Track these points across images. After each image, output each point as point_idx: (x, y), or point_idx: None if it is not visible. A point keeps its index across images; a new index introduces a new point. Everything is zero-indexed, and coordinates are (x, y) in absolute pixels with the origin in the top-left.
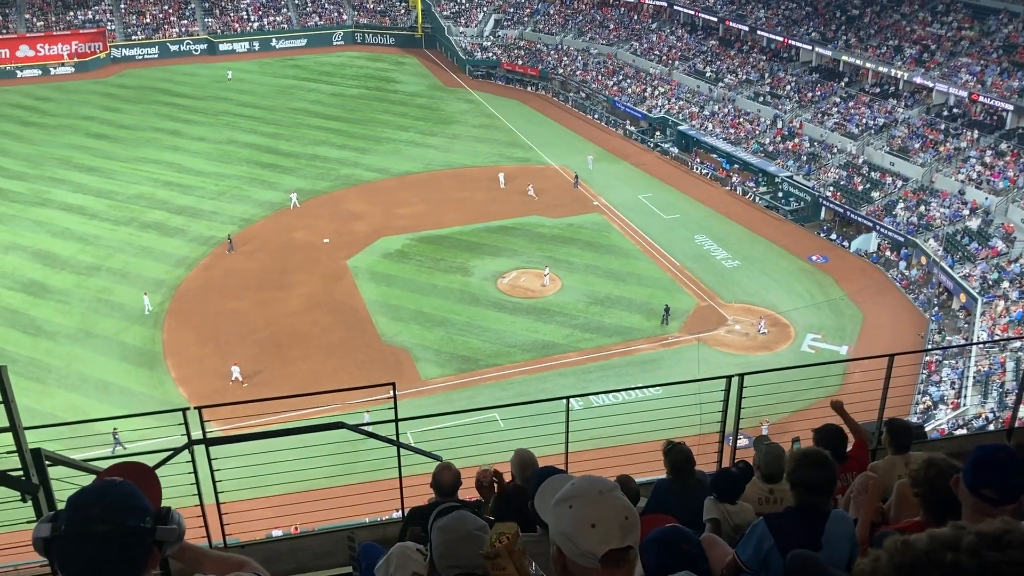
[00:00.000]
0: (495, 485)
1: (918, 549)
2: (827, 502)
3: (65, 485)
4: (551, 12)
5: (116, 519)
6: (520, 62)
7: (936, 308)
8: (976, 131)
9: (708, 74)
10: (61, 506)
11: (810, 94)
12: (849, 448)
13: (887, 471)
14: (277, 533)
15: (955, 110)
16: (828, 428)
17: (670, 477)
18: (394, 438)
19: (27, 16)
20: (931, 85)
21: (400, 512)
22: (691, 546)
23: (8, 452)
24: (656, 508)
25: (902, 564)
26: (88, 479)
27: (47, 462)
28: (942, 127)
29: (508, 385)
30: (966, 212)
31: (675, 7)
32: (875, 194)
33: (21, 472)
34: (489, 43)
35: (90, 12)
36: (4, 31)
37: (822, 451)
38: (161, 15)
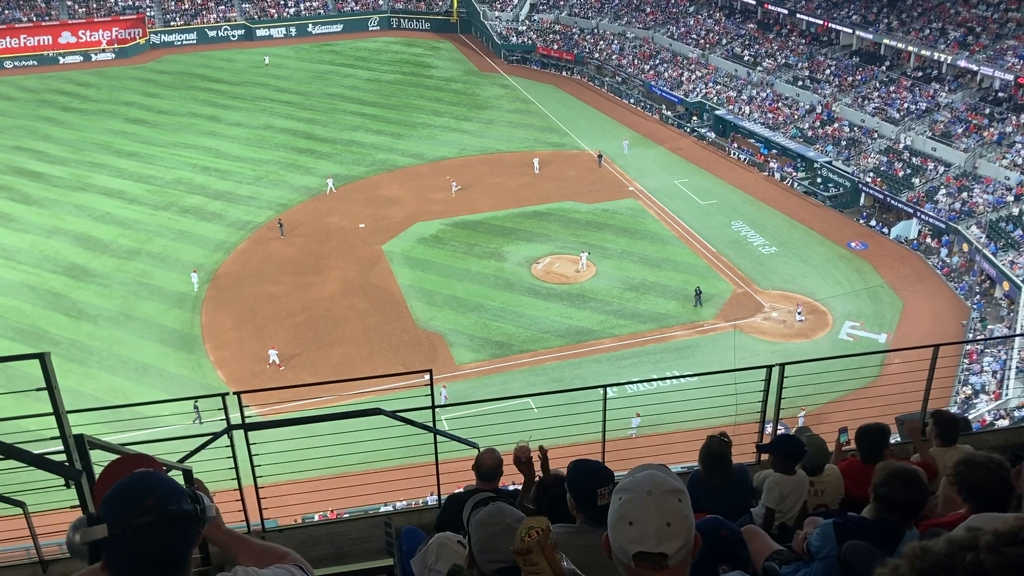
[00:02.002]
0: (532, 461)
1: (937, 553)
2: (909, 523)
3: None
4: None
5: (174, 504)
6: (555, 47)
7: (978, 296)
8: (1022, 115)
9: (746, 58)
10: None
11: (850, 78)
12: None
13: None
14: (315, 517)
15: (1000, 94)
16: (872, 427)
17: (704, 470)
18: (430, 424)
19: (69, 3)
20: (976, 69)
21: (436, 498)
22: (730, 532)
23: (52, 437)
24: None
25: (923, 570)
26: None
27: (89, 447)
28: (987, 111)
29: (542, 371)
30: (1011, 198)
31: None
32: (916, 180)
33: (64, 457)
34: (524, 28)
35: None
36: (47, 18)
37: (915, 469)
38: (199, 1)
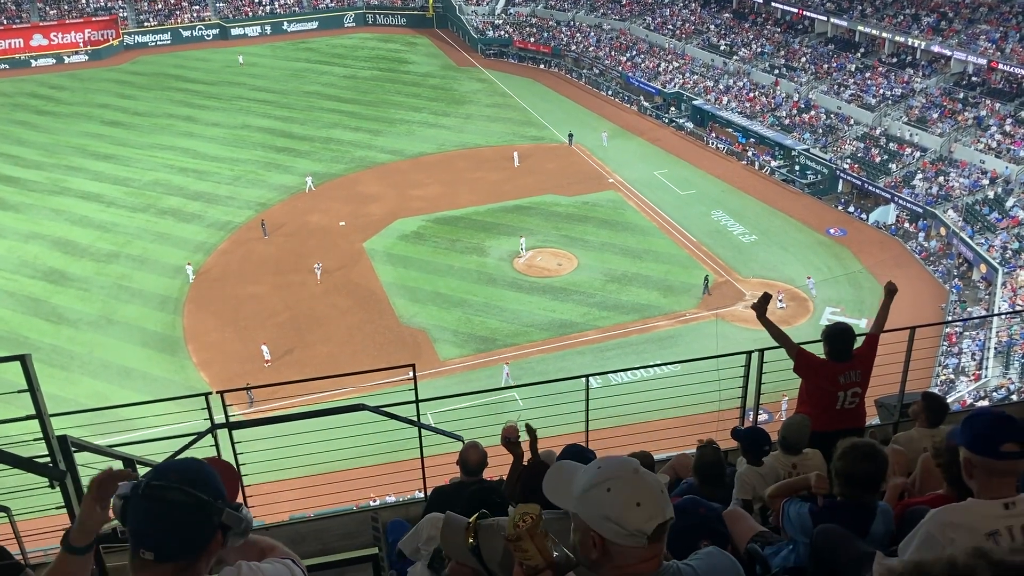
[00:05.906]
0: (520, 442)
1: (934, 574)
2: (875, 497)
3: (91, 471)
4: None
5: (189, 487)
6: (532, 40)
7: (956, 279)
8: (995, 99)
9: (722, 47)
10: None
11: (826, 65)
12: (858, 346)
13: (912, 443)
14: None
15: (974, 78)
16: (838, 327)
17: (697, 482)
18: (415, 419)
19: (40, 5)
20: (949, 54)
21: (423, 492)
22: (708, 510)
23: (35, 439)
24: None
25: None
26: (115, 464)
27: (73, 448)
28: (960, 96)
29: (526, 364)
30: (986, 182)
31: None
32: (893, 165)
33: (48, 459)
34: (501, 21)
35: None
36: (18, 20)
37: (871, 442)
38: (173, 1)
